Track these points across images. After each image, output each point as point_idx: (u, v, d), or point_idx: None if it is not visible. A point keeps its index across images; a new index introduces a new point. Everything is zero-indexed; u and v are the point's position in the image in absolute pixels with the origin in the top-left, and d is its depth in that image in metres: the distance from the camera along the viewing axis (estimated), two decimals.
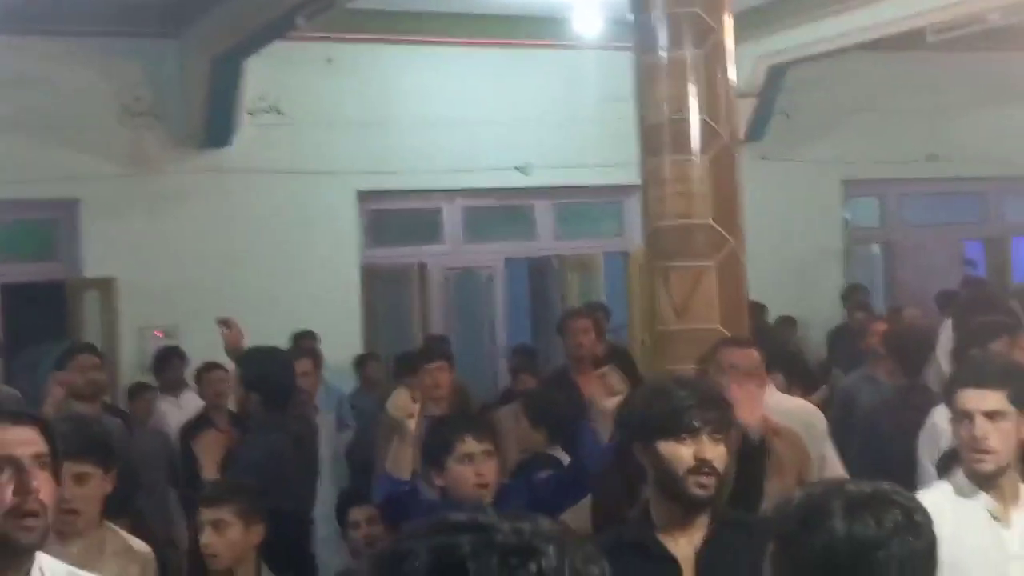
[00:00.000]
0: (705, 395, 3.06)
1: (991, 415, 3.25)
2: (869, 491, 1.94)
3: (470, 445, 3.93)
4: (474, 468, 3.92)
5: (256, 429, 5.47)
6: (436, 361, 6.47)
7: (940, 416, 4.40)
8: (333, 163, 9.95)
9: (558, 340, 10.96)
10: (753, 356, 4.61)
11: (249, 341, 6.86)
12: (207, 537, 3.94)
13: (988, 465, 3.28)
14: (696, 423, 2.97)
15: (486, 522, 1.35)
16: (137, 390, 8.42)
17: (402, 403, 4.36)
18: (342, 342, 9.36)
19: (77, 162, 9.23)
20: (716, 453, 2.99)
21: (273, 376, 5.47)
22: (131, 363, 9.29)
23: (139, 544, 3.79)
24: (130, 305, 9.32)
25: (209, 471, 4.90)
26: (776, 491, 3.86)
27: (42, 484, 2.40)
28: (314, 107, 10.00)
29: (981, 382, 3.31)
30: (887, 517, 1.89)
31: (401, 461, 4.28)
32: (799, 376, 6.70)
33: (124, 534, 3.78)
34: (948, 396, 3.44)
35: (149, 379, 8.77)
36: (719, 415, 3.04)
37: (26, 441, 2.43)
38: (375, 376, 9.17)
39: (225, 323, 6.27)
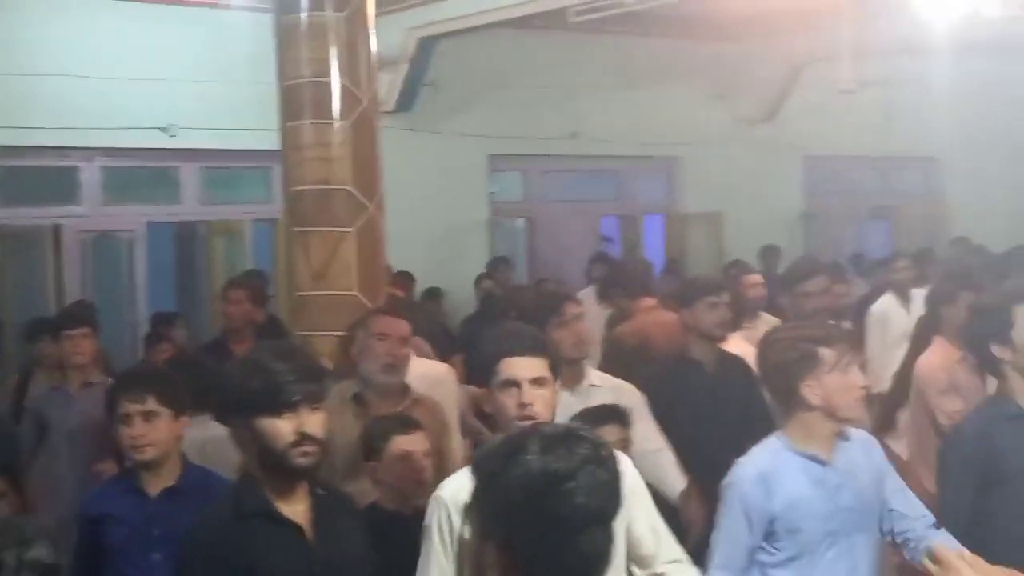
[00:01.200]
0: (302, 366, 3.05)
1: (537, 381, 3.22)
2: (562, 431, 2.14)
3: (125, 407, 3.81)
4: (129, 430, 3.80)
5: None
6: (79, 327, 6.18)
7: None
8: None
9: (204, 308, 10.85)
10: (403, 325, 4.68)
11: None
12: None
13: None
14: (295, 397, 2.98)
15: None
16: None
17: None
18: None
19: None
20: (316, 423, 3.01)
21: None
22: None
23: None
24: None
25: None
26: None
27: None
28: None
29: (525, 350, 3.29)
30: (577, 451, 2.07)
31: None
32: (441, 344, 6.85)
33: None
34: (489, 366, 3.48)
35: None
36: (317, 386, 3.05)
37: None
38: None
39: None
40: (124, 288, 10.57)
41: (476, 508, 2.14)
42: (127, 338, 10.25)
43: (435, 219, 11.29)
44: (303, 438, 2.97)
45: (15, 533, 1.25)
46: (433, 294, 10.58)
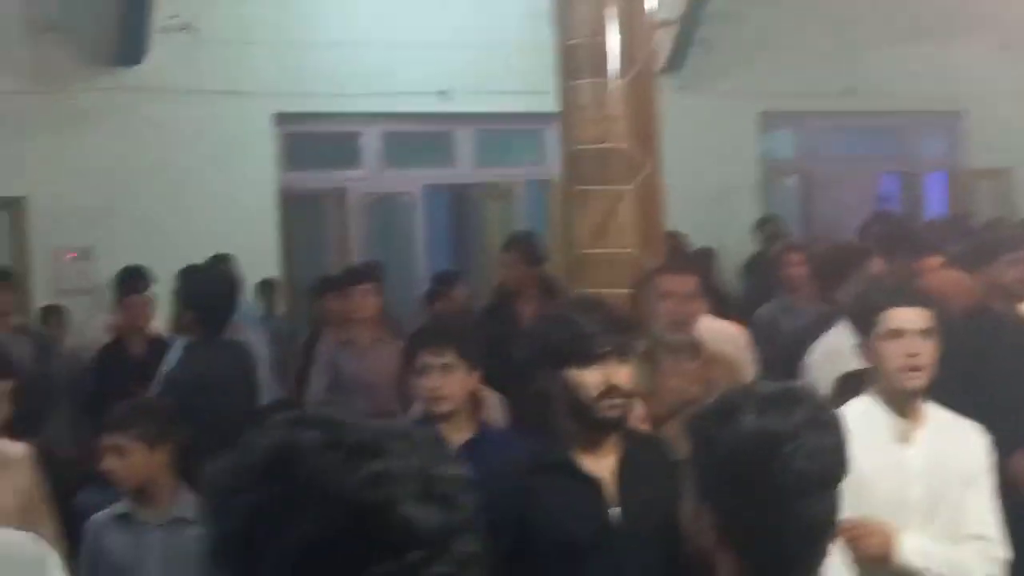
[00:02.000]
0: (609, 319, 3.07)
1: (924, 333, 3.30)
2: (779, 390, 2.01)
3: (425, 358, 3.89)
4: (429, 382, 3.87)
5: (192, 348, 5.33)
6: (363, 283, 6.41)
7: (837, 338, 4.40)
8: (249, 84, 9.77)
9: (479, 270, 11.09)
10: (690, 282, 4.63)
11: (164, 264, 6.80)
12: (109, 463, 3.89)
13: (920, 381, 3.33)
14: (603, 349, 2.99)
15: (336, 420, 1.32)
16: (49, 312, 8.27)
17: None
18: (259, 267, 9.26)
19: None
20: (623, 375, 3.02)
21: (209, 294, 5.32)
22: (44, 285, 9.11)
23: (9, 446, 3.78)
24: (41, 226, 9.12)
25: None
26: None
27: None
28: (229, 26, 9.78)
29: (911, 301, 3.36)
30: (796, 412, 1.93)
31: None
32: (720, 306, 6.73)
33: None
34: (869, 316, 3.43)
35: (62, 301, 8.68)
36: (624, 338, 3.05)
37: None
38: (275, 302, 9.22)
39: None
40: (403, 250, 10.91)
41: (692, 470, 2.04)
42: (407, 298, 10.59)
43: (704, 179, 11.15)
44: (610, 390, 2.99)
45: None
46: (705, 255, 10.46)
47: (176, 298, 5.68)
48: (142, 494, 3.94)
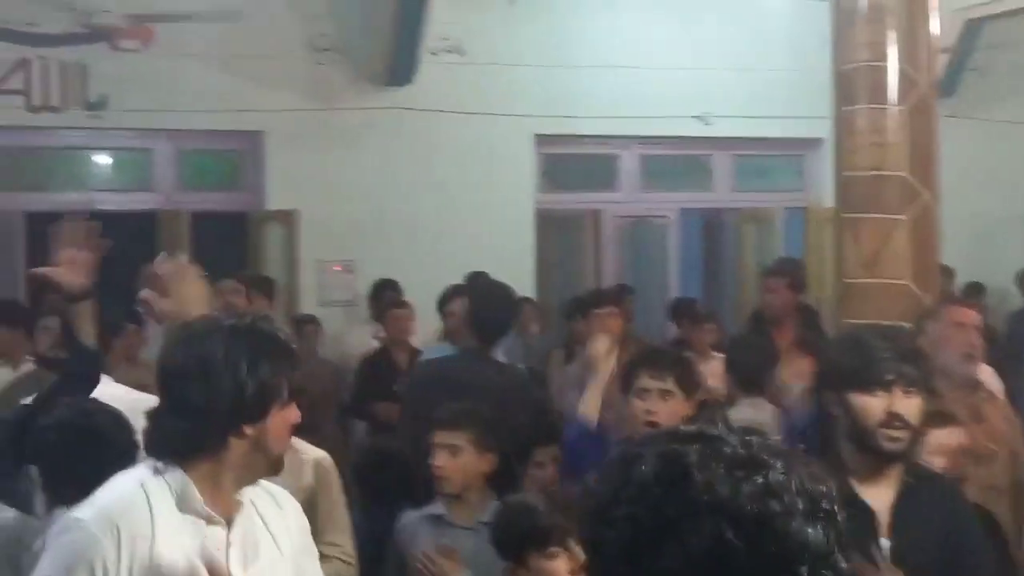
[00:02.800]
0: (901, 348, 3.00)
1: None
2: None
3: (644, 381, 3.91)
4: (645, 404, 3.89)
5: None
6: (607, 306, 6.42)
7: None
8: (512, 105, 9.97)
9: (728, 295, 10.96)
10: (976, 315, 4.51)
11: (424, 279, 7.00)
12: (440, 459, 4.00)
13: None
14: (889, 376, 2.93)
15: (714, 434, 1.32)
16: (302, 322, 8.61)
17: (602, 348, 4.41)
18: (514, 286, 9.36)
19: (263, 94, 9.42)
20: (909, 407, 2.95)
21: (492, 310, 5.36)
22: (309, 296, 9.48)
23: (310, 449, 3.90)
24: (310, 238, 9.50)
25: None
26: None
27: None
28: (495, 48, 10.01)
29: None
30: None
31: (591, 405, 4.31)
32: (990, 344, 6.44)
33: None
34: None
35: (325, 312, 9.03)
36: (914, 369, 2.96)
37: None
38: (527, 320, 9.27)
39: None
40: (656, 272, 10.88)
41: None
42: (657, 320, 10.55)
43: (975, 210, 10.70)
44: (893, 418, 2.93)
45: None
46: (975, 290, 10.05)
47: (437, 309, 5.77)
48: (458, 496, 4.04)
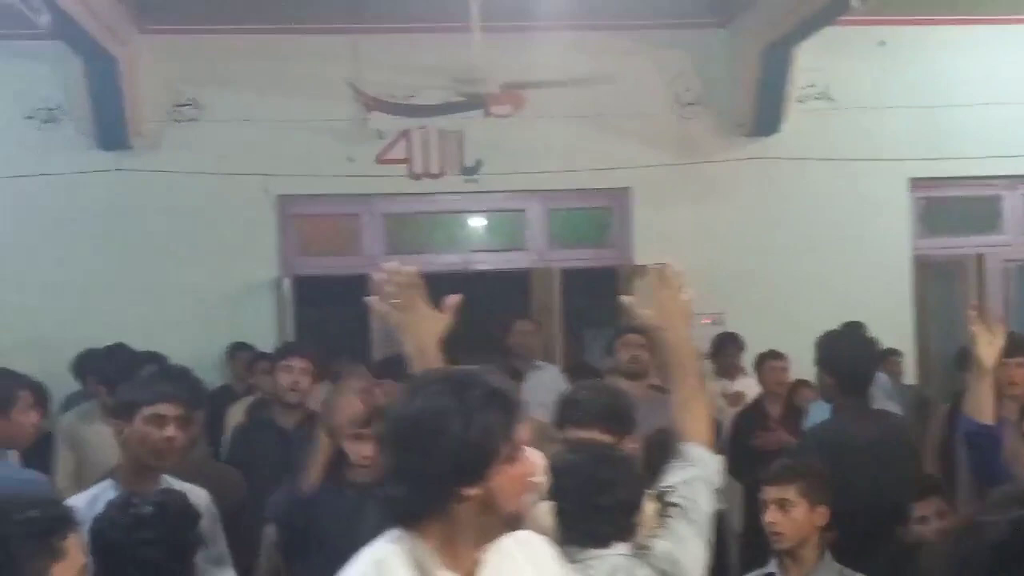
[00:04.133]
0: None
1: None
2: None
3: None
4: None
5: (834, 412, 5.30)
6: (1017, 356, 6.02)
7: None
8: (884, 149, 9.67)
9: None
10: None
11: (795, 330, 6.84)
12: (772, 515, 3.92)
13: None
14: None
15: None
16: None
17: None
18: (892, 334, 9.02)
19: (629, 151, 9.56)
20: None
21: (850, 358, 5.24)
22: None
23: None
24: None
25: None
26: None
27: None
28: (865, 92, 9.74)
29: None
30: None
31: (983, 402, 4.09)
32: None
33: None
34: None
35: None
36: None
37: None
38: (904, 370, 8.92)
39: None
40: None
41: None
42: None
43: None
44: None
45: None
46: None
47: (817, 363, 5.64)
48: (791, 554, 3.93)
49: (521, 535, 2.49)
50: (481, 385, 2.30)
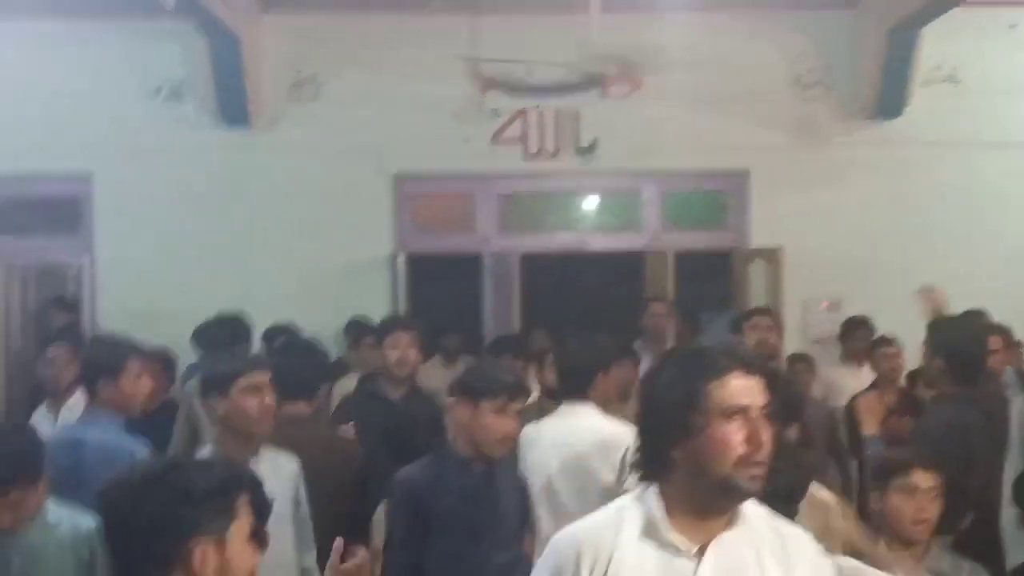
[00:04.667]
0: None
1: None
2: None
3: None
4: None
5: (942, 400, 5.21)
6: None
7: None
8: (1012, 134, 9.40)
9: None
10: None
11: (915, 317, 6.69)
12: (927, 503, 3.88)
13: None
14: None
15: None
16: (796, 359, 8.43)
17: None
18: (1018, 324, 8.77)
19: (748, 134, 9.44)
20: None
21: (963, 345, 5.17)
22: (795, 333, 9.33)
23: (820, 490, 3.87)
24: (795, 275, 9.36)
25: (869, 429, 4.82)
26: None
27: (768, 437, 2.41)
28: (993, 75, 9.47)
29: None
30: None
31: None
32: None
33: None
34: None
35: (811, 349, 8.85)
36: None
37: (758, 391, 2.43)
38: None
39: (929, 289, 6.21)
40: None
41: None
42: None
43: None
44: None
45: None
46: None
47: (929, 346, 5.54)
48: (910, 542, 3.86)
49: (787, 529, 2.54)
50: (687, 351, 2.59)
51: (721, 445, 2.37)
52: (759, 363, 2.51)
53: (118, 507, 2.31)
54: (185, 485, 2.29)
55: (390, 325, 6.08)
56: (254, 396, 4.12)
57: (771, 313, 7.23)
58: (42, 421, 6.06)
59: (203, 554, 2.26)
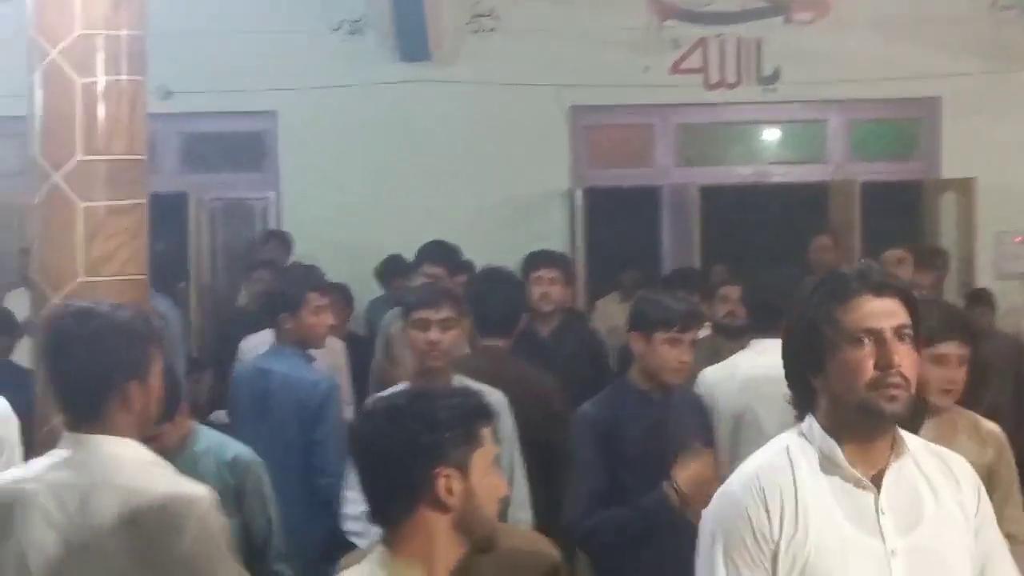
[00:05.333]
0: None
1: None
2: None
3: None
4: None
5: None
6: None
7: None
8: None
9: None
10: None
11: None
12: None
13: None
14: None
15: None
16: (976, 296, 8.07)
17: None
18: None
19: (940, 59, 9.08)
20: None
21: None
22: (987, 268, 9.01)
23: (990, 426, 3.77)
24: (988, 208, 9.01)
25: None
26: None
27: (903, 357, 2.35)
28: None
29: None
30: None
31: None
32: None
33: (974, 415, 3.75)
34: None
35: (1002, 284, 8.56)
36: None
37: (889, 313, 2.38)
38: None
39: None
40: None
41: None
42: None
43: None
44: None
45: None
46: None
47: None
48: None
49: (946, 452, 2.52)
50: (822, 279, 2.51)
51: (850, 369, 2.35)
52: (893, 284, 2.44)
53: (367, 438, 2.37)
54: (430, 413, 2.33)
55: (534, 261, 6.02)
56: (421, 330, 4.22)
57: (908, 247, 7.01)
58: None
59: (447, 481, 2.30)
